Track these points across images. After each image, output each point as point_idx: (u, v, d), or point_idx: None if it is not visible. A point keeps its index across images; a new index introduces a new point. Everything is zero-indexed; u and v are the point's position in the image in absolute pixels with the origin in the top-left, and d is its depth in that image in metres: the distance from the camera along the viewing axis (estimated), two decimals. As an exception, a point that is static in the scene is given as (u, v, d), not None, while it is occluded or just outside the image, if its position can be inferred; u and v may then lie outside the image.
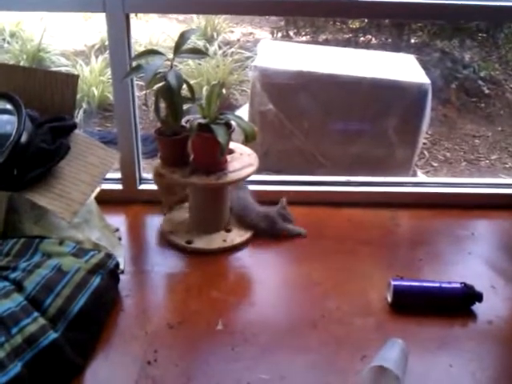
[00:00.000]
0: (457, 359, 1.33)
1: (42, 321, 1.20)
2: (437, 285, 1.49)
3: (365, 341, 1.36)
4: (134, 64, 1.64)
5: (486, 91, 3.76)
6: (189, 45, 1.64)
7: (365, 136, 2.40)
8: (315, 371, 1.28)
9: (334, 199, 1.94)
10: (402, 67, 2.62)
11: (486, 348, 1.37)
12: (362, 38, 4.48)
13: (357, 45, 4.30)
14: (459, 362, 1.32)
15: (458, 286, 1.48)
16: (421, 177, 2.72)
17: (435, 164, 3.08)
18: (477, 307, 1.48)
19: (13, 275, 1.29)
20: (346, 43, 4.34)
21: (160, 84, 1.57)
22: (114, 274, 1.45)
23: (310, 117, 2.37)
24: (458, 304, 1.48)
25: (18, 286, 1.26)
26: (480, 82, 3.78)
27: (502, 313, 1.48)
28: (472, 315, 1.47)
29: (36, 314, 1.21)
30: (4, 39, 4.00)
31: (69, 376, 1.22)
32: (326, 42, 4.41)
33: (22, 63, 3.62)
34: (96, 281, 1.36)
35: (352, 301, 1.50)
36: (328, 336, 1.38)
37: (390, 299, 1.48)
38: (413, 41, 4.36)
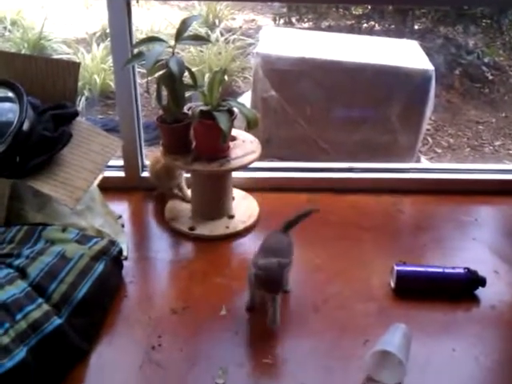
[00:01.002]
0: (460, 343, 1.33)
1: (46, 307, 1.21)
2: (440, 270, 1.49)
3: (367, 326, 1.36)
4: (136, 51, 1.64)
5: (490, 77, 3.74)
6: (190, 32, 1.63)
7: (368, 122, 2.39)
8: (318, 355, 1.29)
9: (336, 186, 1.94)
10: (406, 53, 2.60)
11: (489, 332, 1.38)
12: (365, 25, 4.45)
13: (360, 31, 4.27)
14: (462, 347, 1.32)
15: (462, 271, 1.48)
16: (424, 163, 2.71)
17: (439, 150, 3.07)
18: (480, 292, 1.48)
19: (16, 262, 1.30)
20: (349, 30, 4.32)
21: (162, 71, 1.57)
22: (117, 260, 1.46)
23: (313, 103, 2.36)
24: (462, 289, 1.48)
25: (22, 273, 1.27)
26: (484, 68, 3.75)
27: (505, 297, 1.48)
28: (475, 300, 1.47)
29: (40, 300, 1.22)
30: (5, 27, 3.99)
31: (73, 361, 1.23)
32: (329, 29, 4.38)
33: (23, 51, 3.61)
34: (99, 267, 1.37)
35: (355, 286, 1.50)
36: (331, 321, 1.38)
37: (393, 284, 1.48)
38: (416, 27, 4.33)
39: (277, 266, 1.28)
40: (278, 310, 1.33)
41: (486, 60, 3.77)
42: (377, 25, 4.43)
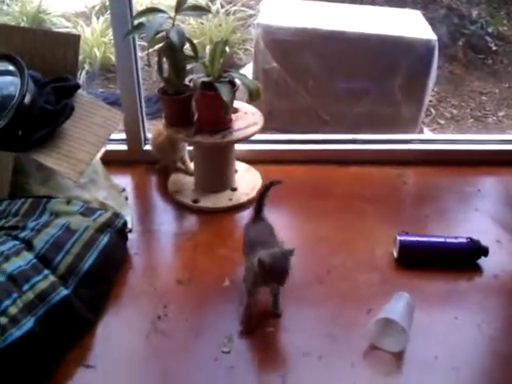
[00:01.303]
0: (462, 312, 1.34)
1: (52, 278, 1.22)
2: (442, 240, 1.50)
3: (370, 295, 1.37)
4: (136, 22, 1.62)
5: (494, 47, 3.69)
6: (191, 3, 1.62)
7: (370, 94, 2.37)
8: (321, 324, 1.30)
9: (339, 157, 1.94)
10: (409, 23, 2.57)
11: (491, 301, 1.39)
12: (366, -5, 4.38)
13: (362, 1, 4.21)
14: (465, 315, 1.33)
15: (464, 240, 1.49)
16: (427, 134, 2.69)
17: (442, 121, 3.05)
18: (483, 261, 1.49)
19: (22, 234, 1.31)
20: (351, 0, 4.25)
21: (162, 43, 1.55)
22: (122, 232, 1.47)
23: (315, 75, 2.34)
24: (464, 258, 1.49)
25: (28, 245, 1.28)
26: (487, 38, 3.71)
27: (507, 267, 1.49)
28: (478, 269, 1.48)
29: (46, 271, 1.23)
30: (3, 1, 3.94)
31: (80, 331, 1.25)
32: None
33: (22, 25, 3.57)
34: (104, 239, 1.38)
35: (358, 257, 1.51)
36: (334, 291, 1.40)
37: (395, 254, 1.49)
38: (419, -3, 4.27)
39: (280, 254, 1.22)
40: (281, 296, 1.32)
41: (489, 30, 3.72)
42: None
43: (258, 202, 1.40)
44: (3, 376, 1.07)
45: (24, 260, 1.22)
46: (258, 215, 1.39)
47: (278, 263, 1.20)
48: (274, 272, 1.19)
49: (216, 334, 1.26)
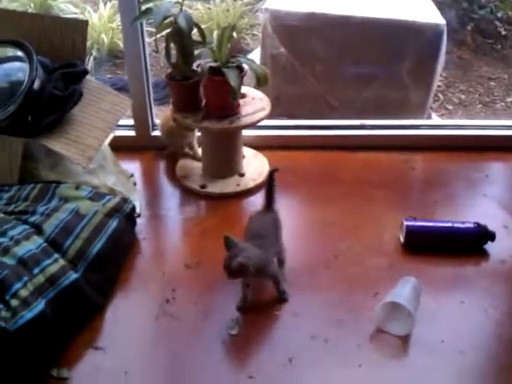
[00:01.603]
0: (469, 297, 1.35)
1: (62, 262, 1.23)
2: (450, 225, 1.50)
3: (377, 280, 1.38)
4: (143, 8, 1.62)
5: (503, 32, 3.65)
6: (199, -13, 1.61)
7: (379, 79, 2.35)
8: (328, 308, 1.31)
9: (347, 143, 1.94)
10: (417, 7, 2.55)
11: (498, 286, 1.39)
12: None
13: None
14: (471, 300, 1.34)
15: (471, 225, 1.49)
16: (435, 119, 2.68)
17: (450, 107, 3.03)
18: (489, 247, 1.49)
19: (32, 219, 1.32)
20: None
21: (170, 28, 1.55)
22: (130, 217, 1.48)
23: (323, 60, 2.33)
24: (471, 243, 1.49)
25: (38, 229, 1.29)
26: (497, 23, 3.67)
27: (514, 252, 1.49)
28: (485, 254, 1.48)
29: (56, 255, 1.24)
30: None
31: (90, 314, 1.27)
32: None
33: (30, 11, 3.57)
34: (113, 224, 1.39)
35: (365, 242, 1.52)
36: (341, 275, 1.40)
37: (402, 239, 1.50)
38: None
39: (258, 253, 1.24)
40: (282, 282, 1.32)
41: (499, 15, 3.68)
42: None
43: (266, 193, 1.39)
44: (14, 357, 1.09)
45: (34, 244, 1.24)
46: (267, 206, 1.39)
47: (258, 260, 1.22)
48: (257, 270, 1.22)
49: (224, 316, 1.27)
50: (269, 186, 1.39)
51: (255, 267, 1.21)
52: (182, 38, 1.53)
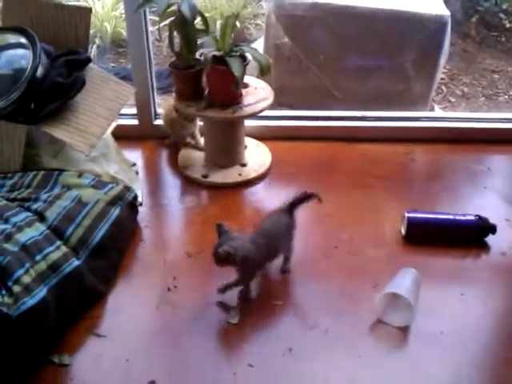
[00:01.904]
0: (469, 288, 1.35)
1: (64, 249, 1.24)
2: (451, 217, 1.51)
3: (377, 271, 1.39)
4: (147, -5, 1.61)
5: (508, 25, 3.63)
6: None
7: (382, 70, 2.35)
8: (328, 299, 1.32)
9: (349, 134, 1.94)
10: (422, -1, 2.54)
11: (498, 278, 1.40)
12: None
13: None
14: (471, 291, 1.34)
15: (473, 218, 1.49)
16: (437, 112, 2.68)
17: (453, 99, 3.02)
18: (490, 239, 1.50)
19: (34, 206, 1.33)
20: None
21: (173, 17, 1.55)
22: (132, 205, 1.49)
23: (326, 50, 2.32)
24: (472, 236, 1.50)
25: (40, 217, 1.30)
26: (501, 15, 3.65)
27: (515, 245, 1.49)
28: (486, 247, 1.49)
29: (58, 242, 1.25)
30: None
31: (91, 301, 1.28)
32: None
33: (33, -1, 3.56)
34: (115, 212, 1.39)
35: (366, 233, 1.52)
36: (341, 266, 1.41)
37: (403, 231, 1.50)
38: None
39: (247, 246, 1.25)
40: (249, 287, 1.31)
41: (503, 7, 3.66)
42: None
43: (297, 199, 1.38)
44: (16, 343, 1.10)
45: (37, 231, 1.25)
46: (288, 209, 1.38)
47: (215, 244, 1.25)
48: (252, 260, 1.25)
49: (224, 306, 1.28)
50: (302, 198, 1.38)
51: (241, 258, 1.21)
52: (185, 26, 1.53)
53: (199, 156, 1.80)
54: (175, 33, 1.59)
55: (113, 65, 3.18)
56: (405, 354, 1.21)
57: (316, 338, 1.21)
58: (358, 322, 1.25)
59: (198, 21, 1.58)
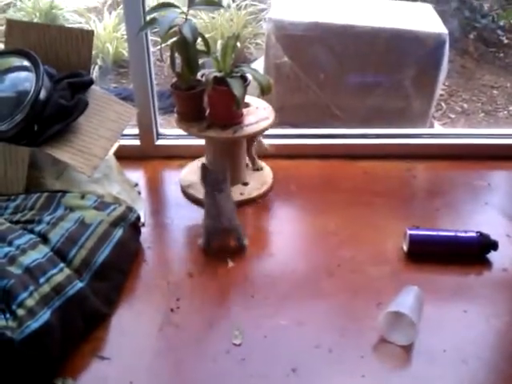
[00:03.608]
0: (471, 305, 1.35)
1: (67, 271, 1.24)
2: (452, 234, 1.51)
3: (380, 288, 1.39)
4: (149, 18, 1.64)
5: (505, 41, 3.67)
6: (203, -3, 1.62)
7: (381, 88, 2.37)
8: (332, 317, 1.32)
9: (350, 152, 1.95)
10: (420, 17, 2.57)
11: (500, 295, 1.40)
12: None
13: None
14: (474, 308, 1.34)
15: (474, 234, 1.50)
16: (437, 128, 2.70)
17: (452, 115, 3.05)
18: (492, 255, 1.50)
19: (38, 228, 1.33)
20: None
21: (175, 38, 1.57)
22: (135, 226, 1.49)
23: (326, 69, 2.35)
24: (474, 252, 1.50)
25: (44, 239, 1.30)
26: (499, 32, 3.69)
27: (517, 261, 1.50)
28: (487, 263, 1.49)
29: (62, 264, 1.25)
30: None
31: (95, 323, 1.27)
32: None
33: (35, 21, 3.60)
34: (118, 233, 1.40)
35: (368, 250, 1.52)
36: (344, 284, 1.41)
37: (405, 248, 1.50)
38: (431, -11, 4.24)
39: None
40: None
41: (501, 23, 3.70)
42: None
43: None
44: (20, 367, 1.10)
45: (40, 253, 1.25)
46: None
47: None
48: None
49: (227, 326, 1.28)
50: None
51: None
52: (186, 48, 1.54)
53: (201, 175, 1.81)
54: (177, 54, 1.61)
55: (114, 85, 3.21)
56: (408, 373, 1.21)
57: (320, 357, 1.21)
58: (362, 341, 1.25)
59: (199, 41, 1.60)
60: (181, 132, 1.73)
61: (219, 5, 1.76)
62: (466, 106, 3.17)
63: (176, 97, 1.71)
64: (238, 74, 1.61)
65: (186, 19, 1.56)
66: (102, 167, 1.57)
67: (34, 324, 1.11)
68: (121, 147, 1.81)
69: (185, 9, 1.56)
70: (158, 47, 1.76)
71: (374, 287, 1.40)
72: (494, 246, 1.49)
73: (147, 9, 1.72)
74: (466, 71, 3.48)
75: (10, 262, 1.21)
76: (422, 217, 1.66)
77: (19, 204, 1.43)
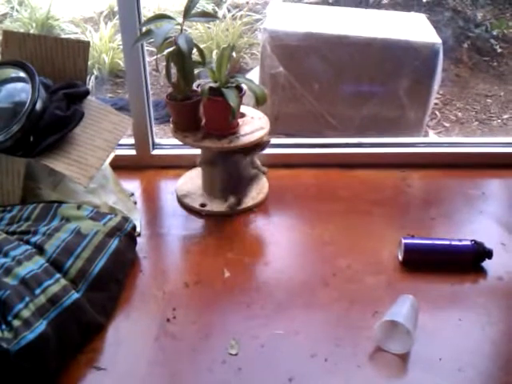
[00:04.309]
0: (467, 314, 1.36)
1: (63, 282, 1.24)
2: (447, 242, 1.52)
3: (376, 298, 1.39)
4: (144, 29, 1.65)
5: (499, 50, 3.71)
6: (198, 9, 1.64)
7: (376, 97, 2.39)
8: (328, 327, 1.32)
9: (345, 161, 1.96)
10: (413, 27, 2.59)
11: (495, 303, 1.40)
12: (373, -3, 4.41)
13: (368, 5, 4.24)
14: (469, 317, 1.35)
15: (469, 243, 1.50)
16: (432, 137, 2.71)
17: (447, 124, 3.07)
18: (487, 264, 1.50)
19: (34, 239, 1.33)
20: (357, 3, 4.28)
21: (170, 48, 1.58)
22: (131, 236, 1.49)
23: (321, 79, 2.37)
24: (469, 261, 1.50)
25: (39, 249, 1.30)
26: (492, 41, 3.72)
27: (511, 269, 1.50)
28: (482, 272, 1.50)
29: (58, 275, 1.25)
30: (13, 7, 3.98)
31: (91, 333, 1.27)
32: (336, 2, 4.34)
33: (31, 31, 3.62)
34: (114, 243, 1.40)
35: (363, 259, 1.53)
36: (340, 293, 1.41)
37: (400, 257, 1.51)
38: (424, 0, 4.28)
39: None
40: None
41: (494, 33, 3.74)
42: (385, -3, 4.39)
43: None
44: (16, 378, 1.10)
45: (36, 264, 1.25)
46: None
47: None
48: None
49: (224, 336, 1.28)
50: None
51: None
52: (182, 59, 1.55)
53: (197, 185, 1.82)
54: (172, 64, 1.62)
55: (110, 95, 3.22)
56: (404, 382, 1.21)
57: (316, 367, 1.21)
58: (358, 350, 1.25)
59: (194, 51, 1.61)
60: (177, 142, 1.73)
61: (214, 16, 1.78)
62: (460, 114, 3.19)
63: (171, 107, 1.72)
64: (234, 85, 1.62)
65: (182, 30, 1.57)
66: (98, 177, 1.58)
67: (30, 335, 1.11)
68: (117, 157, 1.82)
69: (180, 20, 1.58)
70: (154, 57, 1.76)
71: (370, 296, 1.40)
72: (488, 254, 1.50)
73: (143, 20, 1.74)
74: (460, 80, 3.51)
75: (6, 273, 1.21)
76: (417, 225, 1.67)
77: (15, 215, 1.43)
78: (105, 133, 1.59)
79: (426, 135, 2.62)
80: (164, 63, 1.64)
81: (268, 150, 1.93)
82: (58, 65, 1.67)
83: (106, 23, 3.58)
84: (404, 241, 1.50)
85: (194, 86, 1.67)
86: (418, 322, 1.27)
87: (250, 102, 1.78)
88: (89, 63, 1.71)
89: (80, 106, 1.59)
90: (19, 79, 1.55)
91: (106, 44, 3.40)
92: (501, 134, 3.02)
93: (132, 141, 1.94)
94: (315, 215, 1.73)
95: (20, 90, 1.53)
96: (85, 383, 1.18)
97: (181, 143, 1.73)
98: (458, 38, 3.66)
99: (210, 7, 3.85)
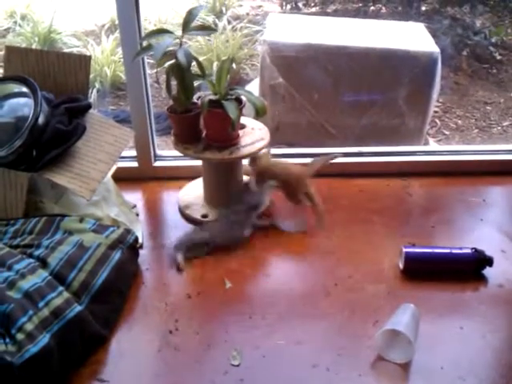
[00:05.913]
0: (468, 322, 1.36)
1: (66, 294, 1.25)
2: (448, 250, 1.52)
3: (377, 307, 1.40)
4: (144, 43, 1.67)
5: (498, 57, 3.72)
6: (197, 21, 1.66)
7: (375, 106, 2.41)
8: (329, 336, 1.33)
9: (346, 170, 1.97)
10: (412, 36, 2.61)
11: (496, 311, 1.41)
12: (372, 8, 4.44)
13: (366, 15, 4.27)
14: (470, 325, 1.35)
15: (469, 251, 1.51)
16: (432, 145, 2.72)
17: (447, 132, 3.07)
18: (488, 271, 1.51)
19: (37, 252, 1.35)
20: (356, 13, 4.31)
21: (170, 62, 1.60)
22: (133, 248, 1.50)
23: (321, 89, 2.38)
24: (469, 269, 1.51)
25: (43, 263, 1.32)
26: (491, 48, 3.74)
27: (512, 276, 1.51)
28: (483, 279, 1.50)
29: (61, 288, 1.26)
30: (15, 22, 4.02)
31: (94, 346, 1.28)
32: (336, 13, 4.37)
33: (34, 46, 3.65)
34: (117, 255, 1.41)
35: (364, 269, 1.54)
36: (341, 303, 1.42)
37: (401, 266, 1.52)
38: (423, 8, 4.31)
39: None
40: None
41: (493, 40, 3.75)
42: (383, 7, 4.42)
43: None
44: (20, 391, 1.11)
45: (39, 277, 1.26)
46: None
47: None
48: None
49: (226, 346, 1.29)
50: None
51: None
52: (181, 73, 1.57)
53: (199, 196, 1.83)
54: (172, 77, 1.63)
55: (112, 107, 3.24)
56: (407, 391, 1.22)
57: (318, 376, 1.22)
58: (359, 360, 1.26)
59: (194, 64, 1.62)
60: (178, 153, 1.75)
61: (212, 29, 1.79)
62: (460, 122, 3.20)
63: (172, 120, 1.73)
64: (233, 97, 1.63)
65: (181, 44, 1.59)
66: (100, 190, 1.59)
67: (34, 348, 1.12)
68: (119, 169, 1.83)
69: (180, 33, 1.59)
70: (155, 70, 1.78)
71: (371, 305, 1.41)
72: (489, 262, 1.50)
73: (143, 33, 1.76)
74: (460, 88, 3.52)
75: (10, 287, 1.22)
76: (418, 234, 1.67)
77: (18, 228, 1.44)
78: (106, 146, 1.61)
79: (427, 143, 2.63)
80: (165, 75, 1.65)
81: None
82: (59, 79, 1.68)
83: (107, 36, 3.61)
84: (405, 250, 1.51)
85: (195, 99, 1.69)
86: (419, 331, 1.27)
87: (250, 113, 1.80)
88: (91, 76, 1.73)
89: (82, 119, 1.60)
90: (21, 94, 1.56)
91: (107, 57, 3.42)
92: (501, 142, 3.02)
93: (134, 153, 1.96)
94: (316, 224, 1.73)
95: (22, 105, 1.55)
96: (88, 395, 1.19)
97: (182, 155, 1.74)
98: (457, 46, 3.68)
99: (210, 19, 3.88)
